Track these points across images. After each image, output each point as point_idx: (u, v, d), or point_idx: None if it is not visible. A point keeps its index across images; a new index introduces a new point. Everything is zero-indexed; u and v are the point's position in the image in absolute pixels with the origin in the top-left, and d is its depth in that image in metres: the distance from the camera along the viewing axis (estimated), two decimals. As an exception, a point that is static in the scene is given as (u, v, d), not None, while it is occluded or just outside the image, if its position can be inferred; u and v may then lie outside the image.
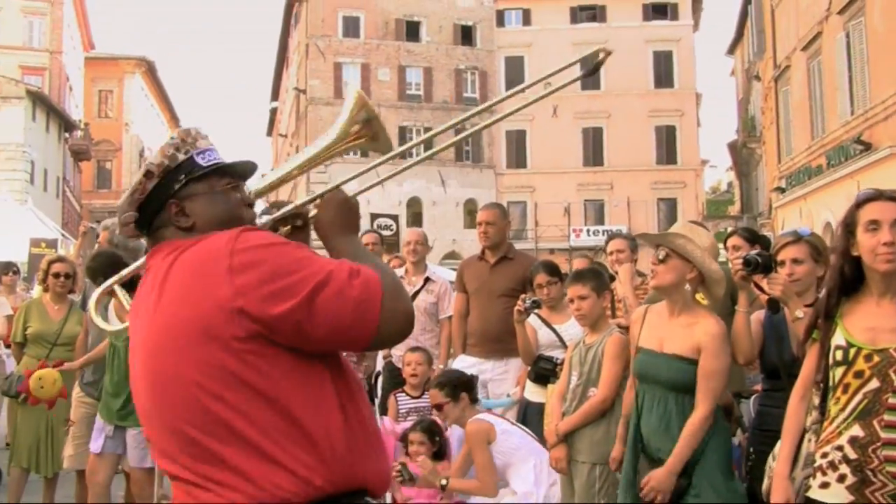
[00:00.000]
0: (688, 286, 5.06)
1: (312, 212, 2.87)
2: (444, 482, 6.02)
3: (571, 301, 6.03)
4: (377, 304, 2.36)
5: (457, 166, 56.64)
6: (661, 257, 5.03)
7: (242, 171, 2.74)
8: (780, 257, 5.26)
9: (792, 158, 35.20)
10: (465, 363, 7.60)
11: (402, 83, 57.19)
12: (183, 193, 2.58)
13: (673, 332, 5.03)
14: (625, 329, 5.97)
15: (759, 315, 5.44)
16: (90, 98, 65.34)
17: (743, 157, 54.81)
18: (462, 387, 6.39)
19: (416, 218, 54.06)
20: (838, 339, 3.82)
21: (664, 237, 5.14)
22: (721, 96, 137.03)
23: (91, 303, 2.98)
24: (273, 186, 2.97)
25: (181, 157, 2.60)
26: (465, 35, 58.42)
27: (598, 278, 6.12)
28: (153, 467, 6.73)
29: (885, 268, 3.72)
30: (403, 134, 55.83)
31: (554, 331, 6.93)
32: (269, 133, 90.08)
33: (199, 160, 2.63)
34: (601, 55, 3.05)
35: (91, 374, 7.62)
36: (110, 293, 3.31)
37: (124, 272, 3.10)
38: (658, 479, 4.78)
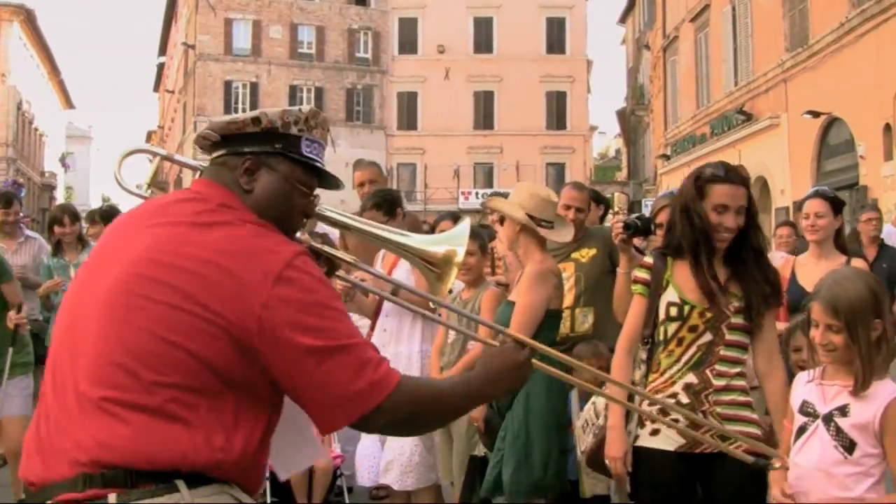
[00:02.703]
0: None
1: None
2: None
3: None
4: (375, 402, 2.29)
5: (347, 126, 56.22)
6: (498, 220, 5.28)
7: (326, 184, 2.69)
8: (658, 220, 5.45)
9: (677, 127, 35.97)
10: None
11: (294, 41, 56.51)
12: (264, 159, 2.52)
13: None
14: (504, 287, 6.13)
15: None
16: (-37, 47, 62.86)
17: (631, 124, 55.56)
18: (397, 202, 6.51)
19: (304, 177, 53.59)
20: (670, 296, 4.09)
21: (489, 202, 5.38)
22: (611, 64, 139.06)
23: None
24: (333, 222, 2.96)
25: (293, 131, 2.54)
26: (360, -6, 57.95)
27: (482, 239, 6.27)
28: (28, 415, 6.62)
29: (721, 245, 4.03)
30: (294, 93, 55.29)
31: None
32: (156, 88, 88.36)
33: (303, 145, 2.57)
34: None
35: None
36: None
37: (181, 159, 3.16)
38: None
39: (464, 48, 57.88)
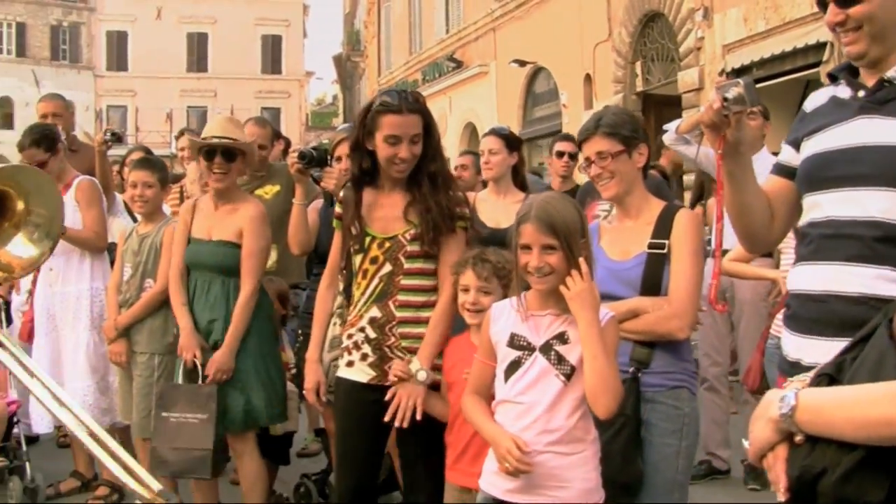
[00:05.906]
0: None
1: None
2: None
3: (134, 185, 5.80)
4: None
5: (52, 66, 53.98)
6: None
7: None
8: (337, 152, 5.52)
9: (391, 73, 36.25)
10: None
11: (-7, -28, 53.24)
12: None
13: (220, 220, 5.15)
14: None
15: (316, 205, 5.73)
16: None
17: (347, 70, 55.58)
18: (55, 138, 6.28)
19: (6, 119, 51.16)
20: (358, 228, 4.07)
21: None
22: (328, 9, 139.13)
23: None
24: None
25: None
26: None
27: (164, 170, 6.03)
28: None
29: (399, 175, 4.01)
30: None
31: None
32: None
33: None
34: None
35: None
36: None
37: None
38: (220, 360, 4.89)
39: (176, -13, 56.35)
